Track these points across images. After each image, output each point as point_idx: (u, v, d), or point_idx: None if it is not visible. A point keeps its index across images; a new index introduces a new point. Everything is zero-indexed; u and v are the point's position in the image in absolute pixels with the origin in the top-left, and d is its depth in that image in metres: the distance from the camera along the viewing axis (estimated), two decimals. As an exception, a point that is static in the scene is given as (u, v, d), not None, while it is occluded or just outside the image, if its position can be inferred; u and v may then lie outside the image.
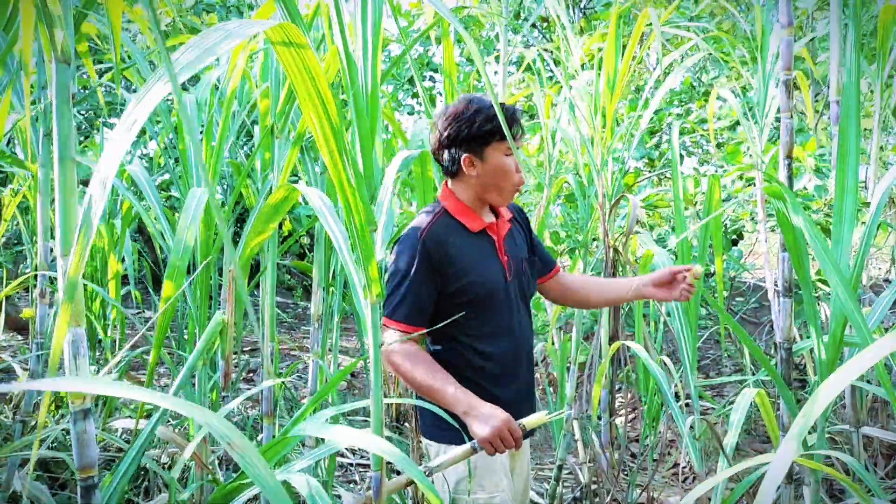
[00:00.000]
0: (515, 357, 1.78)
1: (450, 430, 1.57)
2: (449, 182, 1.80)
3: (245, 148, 4.24)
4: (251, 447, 0.80)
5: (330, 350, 2.71)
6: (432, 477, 1.76)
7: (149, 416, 2.85)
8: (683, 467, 3.37)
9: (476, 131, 1.68)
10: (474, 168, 1.72)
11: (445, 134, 1.71)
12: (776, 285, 3.03)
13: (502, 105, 1.71)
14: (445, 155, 1.74)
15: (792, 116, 1.60)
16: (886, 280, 5.03)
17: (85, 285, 2.82)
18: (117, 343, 3.46)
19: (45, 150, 1.50)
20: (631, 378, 3.48)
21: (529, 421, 1.55)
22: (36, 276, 1.90)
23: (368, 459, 3.36)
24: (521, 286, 1.82)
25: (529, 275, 1.87)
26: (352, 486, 3.14)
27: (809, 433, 1.85)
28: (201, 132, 2.11)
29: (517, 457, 1.88)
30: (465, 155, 1.71)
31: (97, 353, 3.36)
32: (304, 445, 2.33)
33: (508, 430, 1.52)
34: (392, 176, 1.31)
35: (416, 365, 1.63)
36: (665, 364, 2.28)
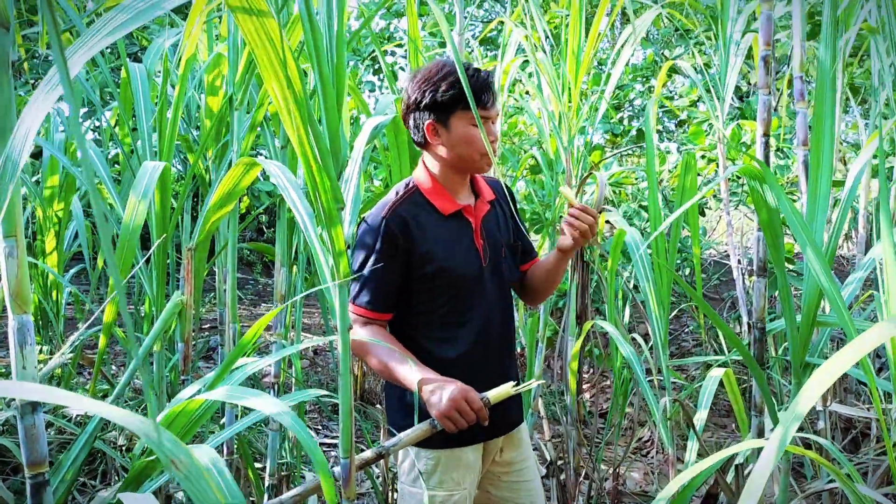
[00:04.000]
0: (486, 351, 1.66)
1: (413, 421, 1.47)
2: (423, 156, 1.68)
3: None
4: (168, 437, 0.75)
5: (293, 328, 2.65)
6: (395, 468, 1.72)
7: (105, 396, 2.77)
8: (646, 441, 3.42)
9: (440, 97, 1.56)
10: (439, 137, 1.60)
11: (413, 98, 1.60)
12: (740, 263, 3.07)
13: (477, 70, 1.59)
14: (411, 121, 1.63)
15: (770, 93, 1.58)
16: (842, 256, 5.14)
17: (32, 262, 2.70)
18: (63, 321, 3.34)
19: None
20: (595, 353, 3.50)
21: (494, 394, 1.47)
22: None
23: (333, 438, 3.33)
24: (499, 273, 1.69)
25: (511, 261, 1.74)
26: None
27: (779, 412, 1.86)
28: (155, 105, 2.01)
29: (499, 450, 1.76)
30: (427, 122, 1.59)
31: (49, 332, 3.24)
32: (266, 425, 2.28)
33: (467, 402, 1.43)
34: (361, 148, 1.25)
35: (375, 347, 1.56)
36: (634, 341, 2.28)
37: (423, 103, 1.58)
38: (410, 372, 1.50)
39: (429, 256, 1.60)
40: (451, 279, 1.62)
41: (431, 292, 1.63)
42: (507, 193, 1.81)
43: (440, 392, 1.45)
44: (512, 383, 1.50)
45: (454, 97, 1.55)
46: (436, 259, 1.60)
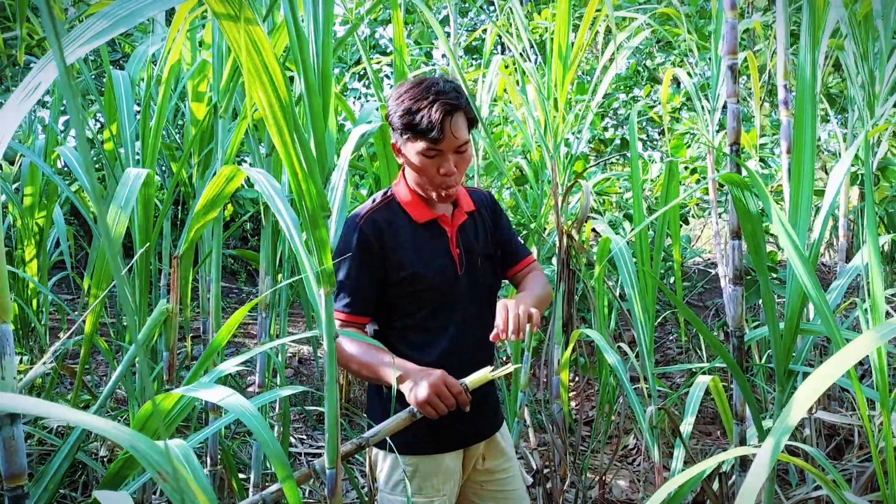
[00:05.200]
0: (463, 357, 1.66)
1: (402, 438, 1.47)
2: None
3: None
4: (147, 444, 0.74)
5: (277, 337, 2.63)
6: (374, 478, 1.71)
7: (86, 407, 2.73)
8: (632, 449, 3.42)
9: (396, 120, 1.56)
10: (400, 156, 1.63)
11: (388, 112, 1.62)
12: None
13: (437, 102, 1.52)
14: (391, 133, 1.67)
15: (738, 102, 1.58)
16: (824, 264, 5.19)
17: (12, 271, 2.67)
18: (45, 330, 3.30)
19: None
20: (580, 362, 3.50)
21: (472, 379, 1.50)
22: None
23: (318, 449, 3.30)
24: (475, 282, 1.70)
25: (487, 271, 1.75)
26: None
27: (763, 419, 1.87)
28: (137, 111, 1.99)
29: (481, 458, 1.75)
30: (392, 140, 1.63)
31: (31, 342, 3.19)
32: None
33: (446, 386, 1.45)
34: (348, 156, 1.24)
35: (352, 346, 1.57)
36: (620, 349, 2.28)
37: (390, 120, 1.60)
38: (389, 366, 1.51)
39: (403, 263, 1.62)
40: (426, 286, 1.64)
41: (408, 298, 1.65)
42: (493, 205, 1.83)
43: (419, 381, 1.47)
44: (489, 367, 1.54)
45: (405, 124, 1.55)
46: (410, 265, 1.62)
